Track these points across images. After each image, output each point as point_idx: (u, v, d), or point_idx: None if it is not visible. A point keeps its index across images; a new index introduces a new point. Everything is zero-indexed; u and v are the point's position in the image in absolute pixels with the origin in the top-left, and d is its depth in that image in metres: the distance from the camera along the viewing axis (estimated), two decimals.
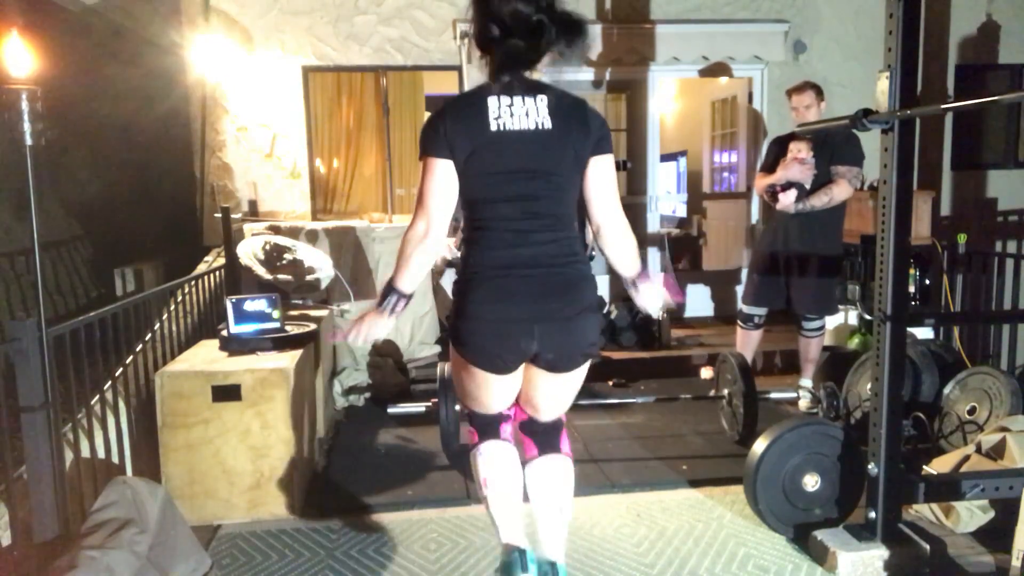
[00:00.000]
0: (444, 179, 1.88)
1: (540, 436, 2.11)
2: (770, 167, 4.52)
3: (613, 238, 1.99)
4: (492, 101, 1.89)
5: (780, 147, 4.53)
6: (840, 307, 4.74)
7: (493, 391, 2.01)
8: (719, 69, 6.46)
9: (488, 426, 2.13)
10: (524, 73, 1.91)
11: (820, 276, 4.36)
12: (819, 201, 4.28)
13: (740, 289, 6.04)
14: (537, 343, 1.89)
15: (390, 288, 1.97)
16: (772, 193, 4.40)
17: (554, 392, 2.04)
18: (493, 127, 1.86)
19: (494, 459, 2.11)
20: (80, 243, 5.72)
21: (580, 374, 2.04)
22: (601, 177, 1.96)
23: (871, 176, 4.52)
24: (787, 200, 4.31)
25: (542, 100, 1.91)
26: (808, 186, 4.31)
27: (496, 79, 1.90)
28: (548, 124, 1.88)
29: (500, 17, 1.85)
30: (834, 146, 4.31)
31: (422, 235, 1.89)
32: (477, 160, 1.87)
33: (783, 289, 4.47)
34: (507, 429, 2.15)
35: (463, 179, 1.89)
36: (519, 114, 1.88)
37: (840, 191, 4.28)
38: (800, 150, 4.33)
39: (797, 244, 4.38)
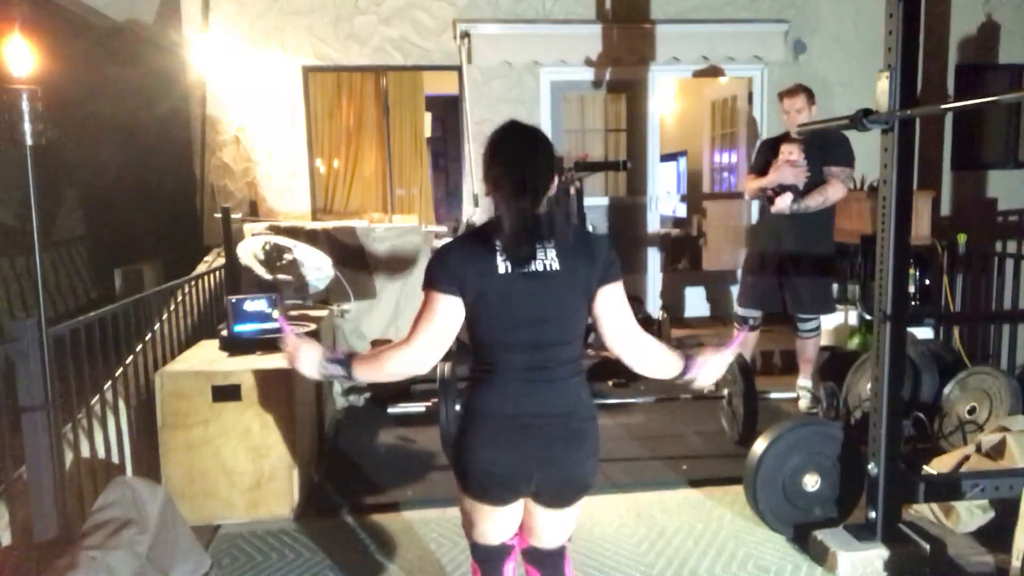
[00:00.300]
0: (449, 316, 1.82)
1: (543, 564, 2.08)
2: (761, 169, 4.53)
3: (641, 361, 1.90)
4: (499, 244, 1.81)
5: (770, 149, 4.55)
6: (837, 307, 4.75)
7: (492, 521, 1.98)
8: (719, 69, 6.46)
9: (489, 563, 2.08)
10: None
11: (814, 276, 4.37)
12: (814, 202, 4.29)
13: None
14: (535, 486, 1.88)
15: (347, 363, 1.89)
16: (768, 198, 4.42)
17: (553, 524, 2.01)
18: (501, 270, 1.79)
19: None
20: (80, 243, 5.71)
21: (579, 505, 2.01)
22: (612, 307, 1.86)
23: (871, 176, 4.52)
24: (783, 204, 4.33)
25: (549, 240, 1.82)
26: (801, 187, 4.33)
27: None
28: (556, 265, 1.80)
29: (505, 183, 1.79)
30: (826, 147, 4.33)
31: (407, 361, 1.84)
32: (484, 303, 1.81)
33: (777, 291, 4.47)
34: (510, 568, 2.10)
35: (469, 318, 1.84)
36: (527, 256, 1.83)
37: (834, 191, 4.30)
38: (791, 152, 4.34)
39: (790, 245, 4.39)
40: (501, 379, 1.85)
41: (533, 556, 2.08)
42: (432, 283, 1.82)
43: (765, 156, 4.57)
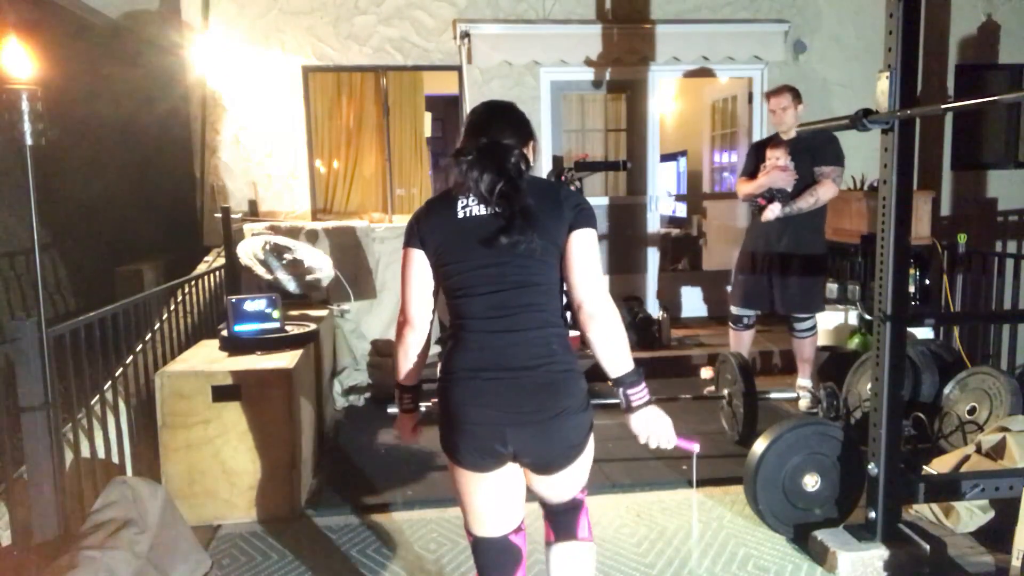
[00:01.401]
0: (417, 269, 1.90)
1: (556, 519, 2.03)
2: (751, 173, 4.55)
3: (596, 324, 1.79)
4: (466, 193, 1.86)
5: (759, 152, 4.58)
6: (828, 306, 4.77)
7: (483, 496, 1.92)
8: (718, 69, 6.46)
9: (494, 568, 1.98)
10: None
11: (805, 275, 4.39)
12: (806, 203, 4.32)
13: None
14: (512, 445, 1.82)
15: (396, 385, 2.06)
16: (758, 207, 4.43)
17: (550, 486, 1.96)
18: (460, 214, 1.84)
19: None
20: (80, 243, 5.71)
21: (576, 468, 1.93)
22: (579, 253, 1.83)
23: (871, 176, 4.53)
24: (772, 214, 4.38)
25: (513, 182, 1.82)
26: (790, 189, 4.34)
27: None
28: (518, 205, 1.79)
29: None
30: (815, 148, 4.35)
31: (400, 330, 1.97)
32: (445, 249, 1.86)
33: (767, 290, 4.49)
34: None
35: (436, 270, 1.90)
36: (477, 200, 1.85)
37: (825, 191, 4.32)
38: (779, 157, 4.36)
39: (782, 245, 4.41)
40: (467, 333, 1.86)
41: (546, 511, 2.06)
42: (404, 243, 1.93)
43: (754, 159, 4.60)
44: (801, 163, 4.36)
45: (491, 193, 1.79)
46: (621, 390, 1.84)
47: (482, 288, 1.84)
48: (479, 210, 1.83)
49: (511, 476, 1.92)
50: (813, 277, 4.43)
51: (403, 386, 2.05)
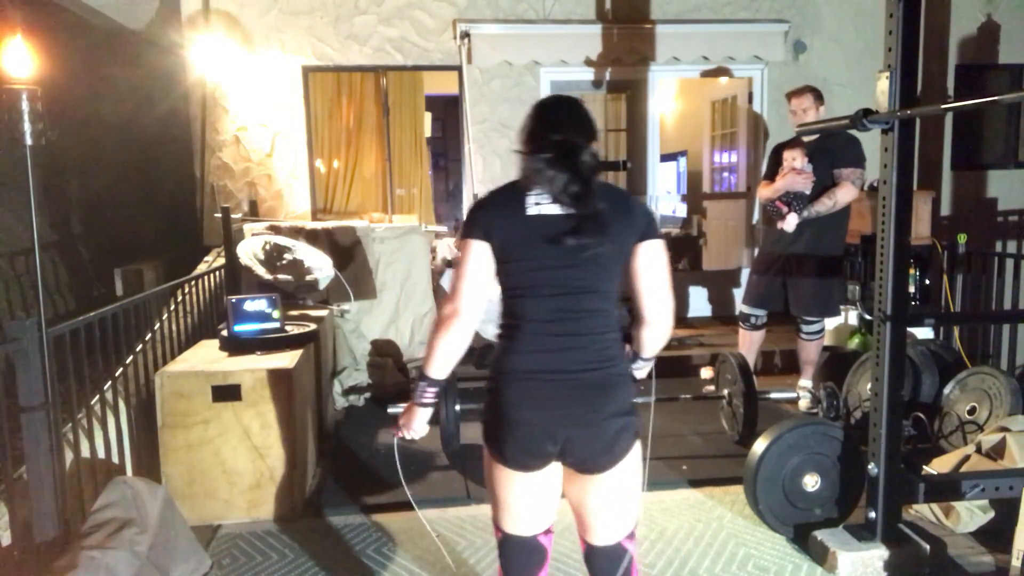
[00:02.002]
0: (479, 261, 1.82)
1: (600, 570, 1.98)
2: (772, 175, 4.53)
3: (650, 330, 1.92)
4: (534, 189, 1.82)
5: (779, 154, 4.53)
6: (839, 308, 4.75)
7: (522, 495, 1.90)
8: (719, 69, 6.46)
9: (519, 567, 1.97)
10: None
11: (820, 277, 4.35)
12: (823, 207, 4.28)
13: (740, 290, 6.04)
14: (561, 446, 1.82)
15: (420, 375, 1.91)
16: (776, 211, 4.40)
17: (595, 499, 1.90)
18: (530, 211, 1.79)
19: None
20: (80, 243, 5.71)
21: (619, 481, 1.89)
22: (649, 264, 1.85)
23: (871, 176, 4.52)
24: (790, 227, 4.34)
25: (587, 185, 1.81)
26: (808, 192, 4.32)
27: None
28: (591, 209, 1.78)
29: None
30: (835, 149, 4.31)
31: (447, 320, 1.83)
32: (511, 244, 1.81)
33: (780, 290, 4.47)
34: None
35: (500, 266, 1.83)
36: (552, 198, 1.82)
37: (844, 194, 4.27)
38: (795, 159, 4.33)
39: (800, 245, 4.37)
40: (526, 334, 1.83)
41: (590, 559, 2.00)
42: (463, 233, 1.86)
43: (774, 161, 4.56)
44: (820, 165, 4.32)
45: (563, 192, 1.77)
46: (633, 361, 2.05)
47: (547, 289, 1.81)
48: (551, 209, 1.80)
49: (551, 476, 1.91)
50: (828, 279, 4.38)
51: (431, 379, 1.90)
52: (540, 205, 1.80)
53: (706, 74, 6.53)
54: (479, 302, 1.84)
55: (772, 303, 4.56)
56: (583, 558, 2.03)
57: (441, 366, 1.88)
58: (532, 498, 1.91)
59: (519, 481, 1.88)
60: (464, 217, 1.90)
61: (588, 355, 1.82)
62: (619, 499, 1.92)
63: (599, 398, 1.82)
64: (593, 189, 1.79)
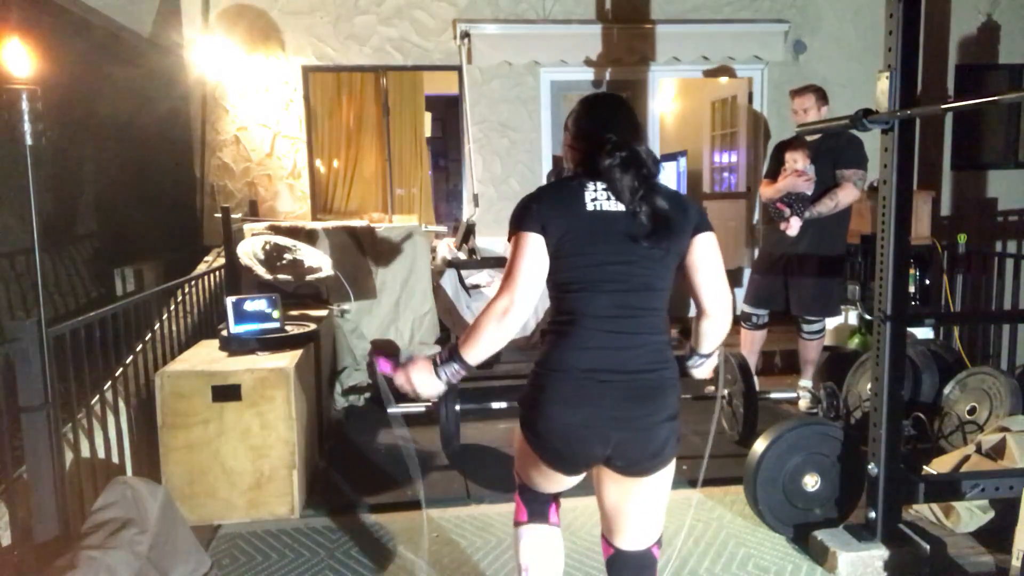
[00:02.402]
0: (535, 254, 1.79)
1: None
2: (773, 174, 4.52)
3: (710, 322, 1.93)
4: (589, 185, 1.83)
5: (780, 153, 4.52)
6: (840, 308, 4.75)
7: (555, 482, 1.97)
8: (719, 69, 6.46)
9: (537, 504, 2.04)
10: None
11: (821, 276, 4.35)
12: (825, 208, 4.28)
13: (741, 290, 6.04)
14: (611, 449, 1.79)
15: (455, 354, 1.82)
16: (778, 213, 4.39)
17: (631, 503, 1.89)
18: (589, 207, 1.79)
19: (538, 546, 2.03)
20: (80, 243, 5.71)
21: (658, 486, 1.89)
22: (706, 255, 1.86)
23: (871, 176, 4.52)
24: (793, 232, 4.33)
25: (646, 182, 1.83)
26: (809, 193, 4.32)
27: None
28: (649, 207, 1.79)
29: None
30: (837, 150, 4.31)
31: (505, 310, 1.77)
32: (569, 240, 1.78)
33: (782, 290, 4.47)
34: (556, 511, 2.07)
35: (554, 261, 1.80)
36: (616, 196, 1.82)
37: (846, 195, 4.27)
38: (797, 160, 4.32)
39: (802, 246, 4.37)
40: (583, 330, 1.79)
41: (616, 565, 1.97)
42: (517, 226, 1.82)
43: (776, 161, 4.55)
44: (823, 165, 4.32)
45: (633, 194, 1.77)
46: (690, 358, 2.07)
47: (607, 285, 1.79)
48: (610, 205, 1.80)
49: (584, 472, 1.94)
50: (829, 279, 4.38)
51: (466, 363, 1.82)
52: (598, 200, 1.80)
53: (706, 74, 6.53)
54: (534, 296, 1.80)
55: (773, 303, 4.55)
56: (606, 564, 2.00)
57: (481, 354, 1.82)
58: (561, 484, 1.98)
59: (553, 475, 1.92)
60: (515, 211, 1.85)
61: (645, 355, 1.81)
62: (656, 504, 1.92)
63: (654, 402, 1.80)
64: (659, 190, 1.81)
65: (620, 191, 1.78)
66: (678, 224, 1.81)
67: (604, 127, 1.86)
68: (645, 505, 1.90)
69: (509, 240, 1.84)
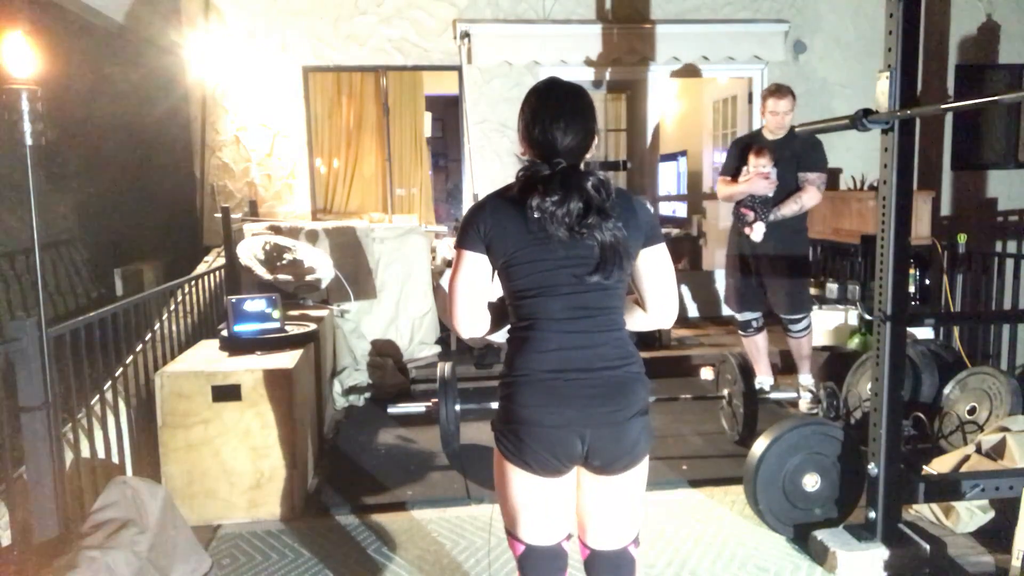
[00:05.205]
0: (477, 276, 1.80)
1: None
2: (734, 171, 4.50)
3: (649, 320, 1.92)
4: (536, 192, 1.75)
5: (742, 151, 4.49)
6: (827, 306, 4.77)
7: (543, 500, 1.85)
8: (719, 69, 6.46)
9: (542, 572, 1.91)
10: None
11: (791, 277, 4.40)
12: (789, 210, 4.33)
13: None
14: (587, 447, 1.78)
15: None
16: (742, 220, 4.41)
17: (608, 501, 1.88)
18: (537, 215, 1.72)
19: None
20: (80, 243, 5.71)
21: (632, 483, 1.88)
22: (653, 268, 1.85)
23: (871, 176, 4.53)
24: (757, 236, 4.37)
25: (594, 200, 1.75)
26: (771, 195, 4.34)
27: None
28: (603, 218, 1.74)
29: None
30: (800, 153, 4.34)
31: (456, 327, 1.87)
32: (519, 253, 1.77)
33: (759, 289, 4.51)
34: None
35: (506, 270, 1.80)
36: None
37: (809, 198, 4.33)
38: (764, 165, 4.32)
39: (767, 248, 4.41)
40: (543, 333, 1.79)
41: (593, 566, 1.95)
42: (460, 241, 1.82)
43: (736, 158, 4.53)
44: (786, 168, 4.34)
45: (580, 225, 1.70)
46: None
47: (562, 288, 1.77)
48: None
49: (570, 479, 1.88)
50: (799, 279, 4.45)
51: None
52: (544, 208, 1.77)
53: (706, 74, 6.53)
54: (476, 310, 1.83)
55: (756, 303, 4.57)
56: (583, 566, 1.99)
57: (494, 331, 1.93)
58: (554, 504, 1.86)
59: (541, 487, 1.83)
60: (462, 222, 1.84)
61: (607, 352, 1.80)
62: (631, 502, 1.91)
63: (625, 397, 1.80)
64: (611, 214, 1.72)
65: (558, 226, 1.70)
66: (626, 248, 1.77)
67: (552, 141, 1.78)
68: (620, 504, 1.90)
69: (455, 248, 1.85)
